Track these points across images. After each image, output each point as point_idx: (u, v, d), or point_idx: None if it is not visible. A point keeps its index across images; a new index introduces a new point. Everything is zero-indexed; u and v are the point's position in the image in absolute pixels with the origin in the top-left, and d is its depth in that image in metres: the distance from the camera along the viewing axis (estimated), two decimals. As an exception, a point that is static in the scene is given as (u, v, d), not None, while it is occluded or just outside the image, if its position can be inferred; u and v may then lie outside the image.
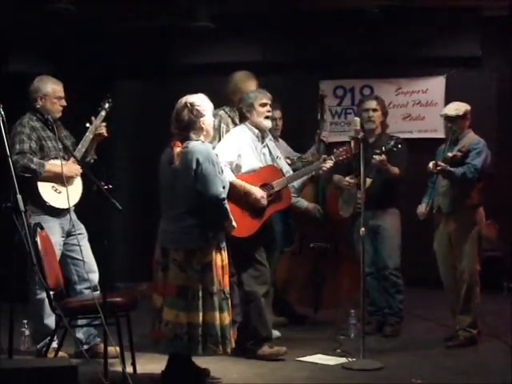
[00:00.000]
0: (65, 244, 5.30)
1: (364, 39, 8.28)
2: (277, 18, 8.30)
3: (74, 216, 5.33)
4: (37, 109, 5.23)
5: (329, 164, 5.54)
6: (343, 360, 5.19)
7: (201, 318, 4.50)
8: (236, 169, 5.30)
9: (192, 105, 4.61)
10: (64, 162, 5.19)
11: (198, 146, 4.57)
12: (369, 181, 5.92)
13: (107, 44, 8.43)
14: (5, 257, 3.95)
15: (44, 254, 4.61)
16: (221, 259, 4.63)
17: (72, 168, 5.26)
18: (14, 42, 8.10)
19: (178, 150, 4.58)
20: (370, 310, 6.07)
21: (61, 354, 4.85)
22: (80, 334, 5.26)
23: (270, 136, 5.64)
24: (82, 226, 5.42)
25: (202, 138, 4.64)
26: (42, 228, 4.75)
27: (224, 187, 4.64)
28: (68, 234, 5.30)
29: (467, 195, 5.57)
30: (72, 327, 4.78)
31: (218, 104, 5.90)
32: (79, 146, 5.34)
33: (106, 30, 8.35)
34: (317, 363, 5.20)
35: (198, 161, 4.51)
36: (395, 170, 5.90)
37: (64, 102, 5.39)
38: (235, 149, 5.31)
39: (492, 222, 7.68)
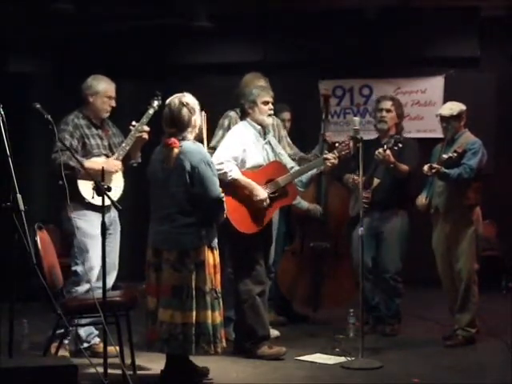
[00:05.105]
0: None
1: (363, 39, 8.29)
2: (277, 17, 8.31)
3: (113, 214, 5.33)
4: (38, 110, 5.20)
5: (332, 157, 5.50)
6: (342, 359, 5.20)
7: (194, 318, 4.51)
8: (241, 164, 5.31)
9: (188, 104, 4.66)
10: (104, 159, 5.26)
11: (191, 147, 4.61)
12: (376, 181, 5.92)
13: (107, 44, 8.44)
14: (5, 257, 3.95)
15: (44, 253, 4.63)
16: (213, 258, 4.64)
17: (112, 164, 5.28)
18: (14, 42, 8.12)
19: (176, 150, 4.60)
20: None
21: (61, 352, 4.88)
22: (81, 332, 5.29)
23: (272, 132, 5.66)
24: (117, 226, 5.44)
25: (192, 136, 4.69)
26: (41, 228, 4.77)
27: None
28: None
29: (463, 195, 5.58)
30: (72, 326, 4.80)
31: (216, 103, 5.93)
32: (123, 145, 5.38)
33: (106, 30, 8.37)
34: (316, 362, 5.20)
35: (192, 163, 4.54)
36: (404, 167, 5.85)
37: (113, 103, 5.42)
38: (240, 144, 5.33)
39: (491, 221, 7.70)
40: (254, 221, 5.30)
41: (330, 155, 5.51)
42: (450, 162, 5.49)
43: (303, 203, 6.26)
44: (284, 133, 6.16)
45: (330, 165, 5.50)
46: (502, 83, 8.45)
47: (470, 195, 5.60)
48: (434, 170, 5.44)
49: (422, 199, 5.74)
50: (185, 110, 4.64)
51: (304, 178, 5.55)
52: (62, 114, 5.37)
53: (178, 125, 4.64)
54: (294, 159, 6.00)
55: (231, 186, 5.19)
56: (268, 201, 5.31)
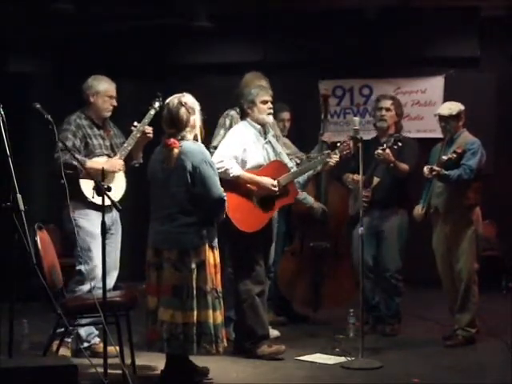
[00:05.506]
0: None
1: (363, 39, 8.30)
2: (277, 17, 8.31)
3: (115, 213, 5.35)
4: (38, 110, 5.20)
5: (334, 158, 5.53)
6: (342, 359, 5.20)
7: (195, 318, 4.51)
8: (241, 164, 5.32)
9: (186, 103, 4.66)
10: (105, 159, 5.28)
11: (191, 146, 4.61)
12: (376, 180, 5.93)
13: (107, 44, 8.44)
14: (5, 257, 3.95)
15: (44, 253, 4.63)
16: (213, 258, 4.64)
17: (114, 164, 5.30)
18: (14, 42, 8.12)
19: (176, 150, 4.60)
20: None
21: (63, 351, 4.89)
22: (81, 331, 5.29)
23: (272, 132, 5.66)
24: (118, 226, 5.46)
25: (192, 136, 4.69)
26: (41, 228, 4.77)
27: None
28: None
29: (463, 195, 5.57)
30: (72, 326, 4.80)
31: (216, 103, 5.94)
32: (125, 145, 5.39)
33: (106, 30, 8.37)
34: (316, 362, 5.20)
35: (193, 163, 4.54)
36: (404, 166, 5.86)
37: (115, 102, 5.45)
38: (240, 144, 5.33)
39: (491, 221, 7.70)
40: (254, 220, 5.30)
41: (332, 156, 5.53)
42: (450, 163, 5.49)
43: (309, 199, 6.24)
44: (279, 132, 6.16)
45: (333, 162, 5.51)
46: (502, 83, 8.45)
47: (470, 195, 5.59)
48: (434, 173, 5.44)
49: (418, 209, 5.74)
50: (183, 110, 4.64)
51: (301, 179, 5.57)
52: (62, 114, 5.37)
53: (177, 125, 4.64)
54: (301, 159, 6.01)
55: (232, 184, 5.19)
56: (277, 183, 5.31)
